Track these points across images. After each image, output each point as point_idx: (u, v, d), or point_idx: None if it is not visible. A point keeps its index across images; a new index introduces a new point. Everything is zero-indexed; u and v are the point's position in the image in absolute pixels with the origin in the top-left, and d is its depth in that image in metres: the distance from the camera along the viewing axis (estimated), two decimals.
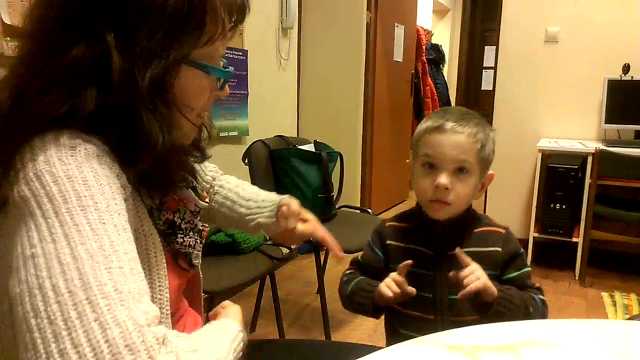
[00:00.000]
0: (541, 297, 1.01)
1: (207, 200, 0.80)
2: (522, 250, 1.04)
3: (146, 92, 0.57)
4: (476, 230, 1.03)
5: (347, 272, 1.11)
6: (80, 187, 0.52)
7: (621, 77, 3.00)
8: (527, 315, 0.95)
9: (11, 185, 0.54)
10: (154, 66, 0.57)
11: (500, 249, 1.01)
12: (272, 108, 2.77)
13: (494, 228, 1.04)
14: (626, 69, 3.00)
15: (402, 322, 1.04)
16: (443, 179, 0.96)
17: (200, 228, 0.78)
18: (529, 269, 1.03)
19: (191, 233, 0.74)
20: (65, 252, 0.48)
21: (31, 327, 0.45)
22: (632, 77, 2.98)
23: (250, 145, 2.20)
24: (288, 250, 1.99)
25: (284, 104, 2.90)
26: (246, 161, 2.15)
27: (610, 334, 0.79)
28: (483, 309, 0.94)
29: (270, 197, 1.02)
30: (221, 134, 2.34)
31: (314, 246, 2.03)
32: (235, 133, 2.46)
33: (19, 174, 0.53)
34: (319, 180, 2.25)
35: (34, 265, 0.48)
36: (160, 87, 0.59)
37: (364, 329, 2.26)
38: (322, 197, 2.25)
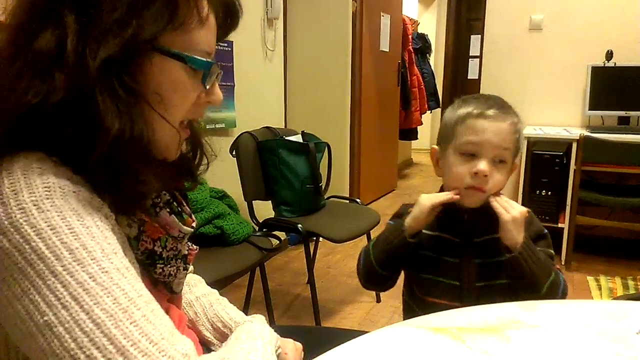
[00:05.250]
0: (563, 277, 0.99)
1: (193, 225, 0.72)
2: (546, 231, 1.03)
3: (97, 72, 0.52)
4: (495, 216, 0.99)
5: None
6: (68, 239, 0.49)
7: (604, 64, 3.03)
8: (548, 277, 0.94)
9: None
10: (109, 45, 0.53)
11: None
12: (259, 99, 2.76)
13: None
14: (609, 55, 3.03)
15: (426, 312, 0.98)
16: (483, 165, 0.93)
17: (186, 252, 0.71)
18: (552, 252, 1.02)
19: (173, 261, 0.68)
20: (84, 318, 0.47)
21: None
22: (615, 64, 3.01)
23: (237, 137, 2.19)
24: (278, 242, 2.00)
25: (271, 95, 2.89)
26: (234, 153, 2.15)
27: (591, 315, 0.81)
28: (507, 260, 0.94)
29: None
30: (208, 127, 2.33)
31: (303, 237, 2.04)
32: (222, 125, 2.45)
33: None
34: (307, 171, 2.26)
35: (55, 335, 0.47)
36: (118, 69, 0.54)
37: (354, 317, 2.28)
38: (311, 188, 2.26)
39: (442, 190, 1.04)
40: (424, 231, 1.01)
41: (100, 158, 0.54)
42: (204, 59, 0.60)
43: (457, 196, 0.96)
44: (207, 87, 0.63)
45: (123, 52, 0.53)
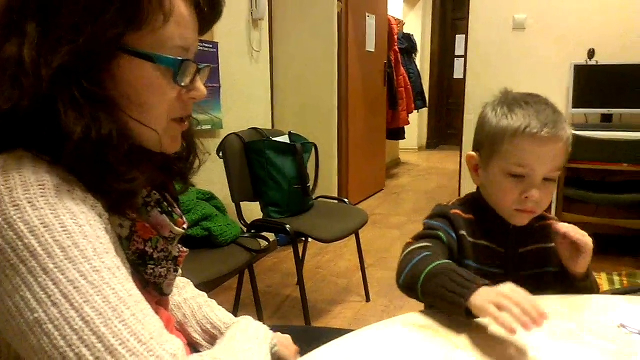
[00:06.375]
0: None
1: (184, 226, 0.72)
2: None
3: (51, 79, 0.52)
4: (537, 224, 0.94)
5: (420, 244, 0.87)
6: (61, 237, 0.50)
7: (586, 62, 3.08)
8: (597, 292, 0.94)
9: None
10: (62, 53, 0.52)
11: None
12: (245, 100, 2.75)
13: (550, 221, 0.96)
14: (591, 53, 3.08)
15: None
16: (535, 192, 0.86)
17: (176, 254, 0.71)
18: None
19: (164, 262, 0.68)
20: (73, 316, 0.48)
21: None
22: (597, 62, 3.06)
23: (224, 138, 2.18)
24: (266, 243, 1.99)
25: (258, 96, 2.89)
26: (220, 154, 2.14)
27: (575, 309, 0.82)
28: (569, 284, 0.90)
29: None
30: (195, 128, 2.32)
31: (291, 237, 2.04)
32: (209, 126, 2.44)
33: None
34: (294, 172, 2.26)
35: (44, 332, 0.47)
36: (77, 75, 0.54)
37: (344, 316, 2.28)
38: (298, 188, 2.26)
39: (478, 194, 0.97)
40: (468, 238, 0.93)
41: (70, 159, 0.54)
42: (173, 57, 0.59)
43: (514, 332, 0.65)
44: (182, 84, 0.61)
45: (79, 58, 0.53)
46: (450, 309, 0.72)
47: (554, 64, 3.22)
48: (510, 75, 3.32)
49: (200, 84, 0.65)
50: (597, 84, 3.07)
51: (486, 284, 0.71)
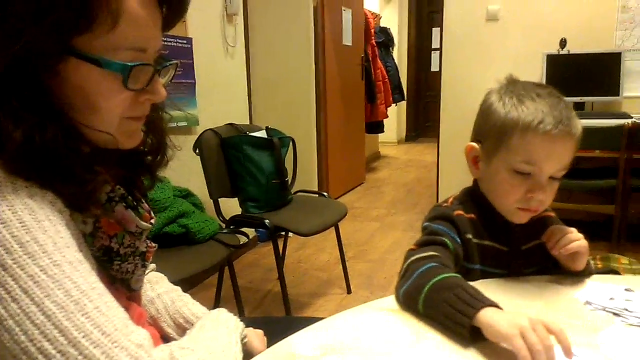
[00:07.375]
0: None
1: (152, 221, 0.71)
2: None
3: None
4: (536, 217, 0.90)
5: (425, 253, 0.80)
6: (19, 232, 0.49)
7: (559, 52, 3.13)
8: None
9: None
10: None
11: None
12: (221, 96, 2.74)
13: (546, 213, 0.94)
14: (563, 43, 3.13)
15: None
16: (542, 194, 0.82)
17: (144, 250, 0.70)
18: None
19: (131, 258, 0.67)
20: (34, 311, 0.47)
21: None
22: (568, 51, 3.11)
23: (200, 135, 2.17)
24: (245, 238, 1.99)
25: (234, 92, 2.87)
26: (197, 151, 2.12)
27: (542, 289, 0.84)
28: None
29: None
30: (169, 125, 2.29)
31: (271, 232, 2.04)
32: (185, 123, 2.42)
33: None
34: (272, 166, 2.25)
35: (5, 329, 0.47)
36: (14, 82, 0.52)
37: (326, 309, 2.30)
38: (276, 183, 2.26)
39: (475, 188, 0.92)
40: (473, 240, 0.88)
41: (16, 163, 0.52)
42: (123, 62, 0.56)
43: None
44: (134, 88, 0.59)
45: (15, 65, 0.52)
46: (454, 328, 0.66)
47: (527, 54, 3.26)
48: (485, 66, 3.36)
49: (158, 86, 0.63)
50: (569, 73, 3.12)
51: (494, 305, 0.66)
